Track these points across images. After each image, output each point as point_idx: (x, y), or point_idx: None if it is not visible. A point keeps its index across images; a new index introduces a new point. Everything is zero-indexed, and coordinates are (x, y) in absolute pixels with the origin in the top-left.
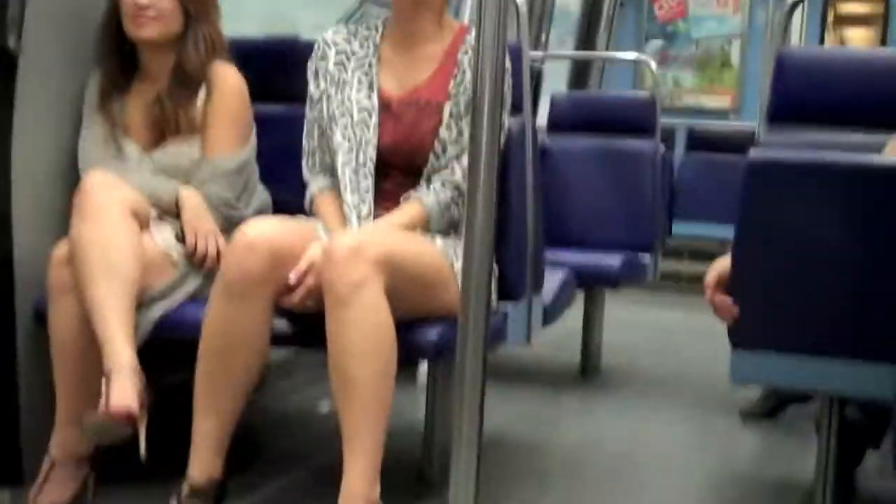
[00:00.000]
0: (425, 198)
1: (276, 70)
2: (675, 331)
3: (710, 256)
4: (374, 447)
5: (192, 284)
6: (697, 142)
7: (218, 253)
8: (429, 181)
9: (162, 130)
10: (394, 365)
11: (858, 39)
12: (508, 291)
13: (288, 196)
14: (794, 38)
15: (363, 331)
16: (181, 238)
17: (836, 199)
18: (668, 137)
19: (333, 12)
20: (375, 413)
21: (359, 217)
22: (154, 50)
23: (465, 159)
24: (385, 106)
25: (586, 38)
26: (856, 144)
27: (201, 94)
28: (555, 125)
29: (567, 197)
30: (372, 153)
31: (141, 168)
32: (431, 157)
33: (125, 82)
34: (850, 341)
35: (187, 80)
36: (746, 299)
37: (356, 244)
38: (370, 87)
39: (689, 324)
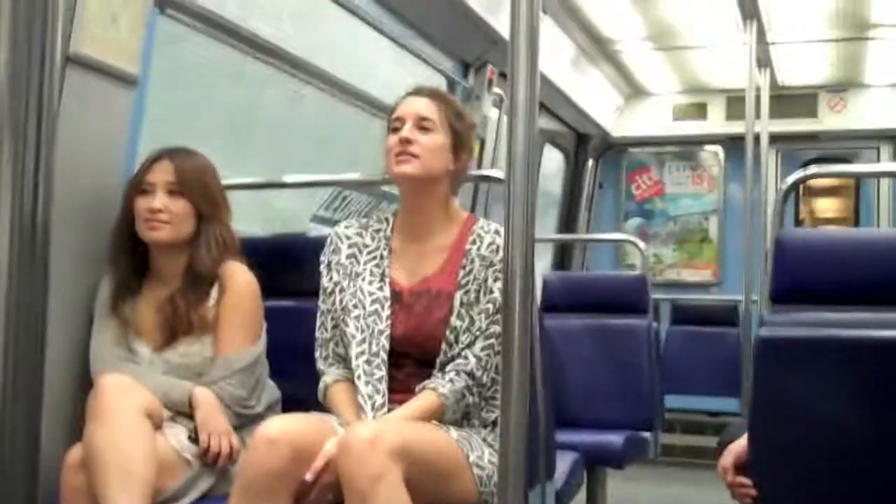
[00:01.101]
0: (440, 387)
1: (286, 266)
2: None
3: (701, 429)
4: None
5: (205, 484)
6: (682, 315)
7: (231, 451)
8: (442, 370)
9: (174, 330)
10: None
11: (829, 210)
12: None
13: (297, 391)
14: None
15: None
16: (194, 438)
17: (847, 374)
18: (654, 312)
19: (313, 201)
20: None
21: (373, 408)
22: (167, 252)
23: (477, 347)
24: (396, 296)
25: (568, 217)
26: (859, 322)
27: (213, 292)
28: (548, 306)
29: (564, 376)
30: (385, 343)
31: (153, 369)
32: (444, 345)
33: (137, 284)
34: None
35: (200, 281)
36: (764, 478)
37: (373, 435)
38: (381, 278)
39: (688, 499)
